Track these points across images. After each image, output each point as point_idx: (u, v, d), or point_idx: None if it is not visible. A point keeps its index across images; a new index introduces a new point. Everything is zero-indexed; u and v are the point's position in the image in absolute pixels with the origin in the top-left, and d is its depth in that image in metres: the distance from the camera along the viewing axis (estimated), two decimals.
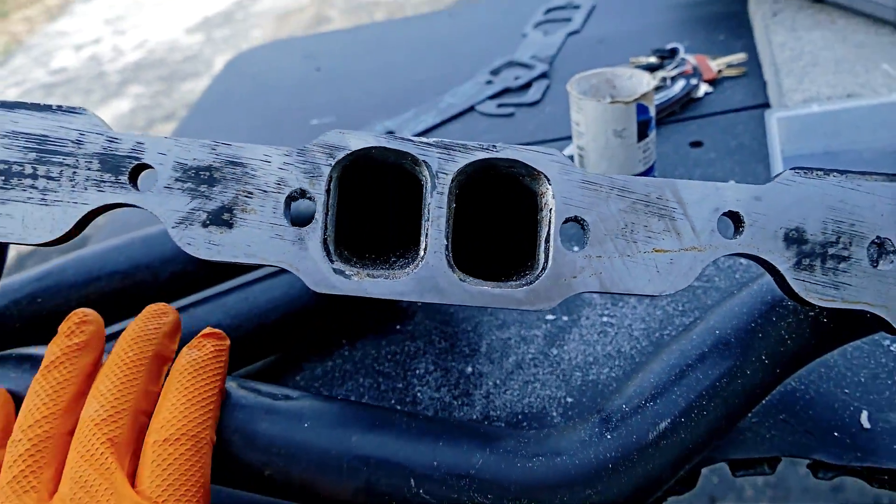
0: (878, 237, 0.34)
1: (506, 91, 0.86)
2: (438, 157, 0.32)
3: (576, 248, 0.33)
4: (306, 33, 3.74)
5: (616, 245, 0.33)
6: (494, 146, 0.33)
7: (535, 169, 0.33)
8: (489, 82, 0.88)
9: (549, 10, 1.07)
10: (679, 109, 0.74)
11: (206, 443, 0.32)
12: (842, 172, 0.34)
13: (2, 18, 5.04)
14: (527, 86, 0.86)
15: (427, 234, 0.32)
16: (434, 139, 0.33)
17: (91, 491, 0.29)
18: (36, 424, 0.31)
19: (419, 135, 0.80)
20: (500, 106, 0.83)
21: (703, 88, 0.76)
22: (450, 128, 0.81)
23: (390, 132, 0.81)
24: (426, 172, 0.32)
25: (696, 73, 0.76)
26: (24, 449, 0.30)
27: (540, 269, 0.33)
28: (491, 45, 1.00)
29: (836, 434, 0.41)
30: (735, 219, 0.33)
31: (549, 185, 0.33)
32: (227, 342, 0.35)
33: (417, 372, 0.49)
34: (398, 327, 0.53)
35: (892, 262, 0.34)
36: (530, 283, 0.32)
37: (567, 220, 0.33)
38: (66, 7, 5.14)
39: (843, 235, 0.34)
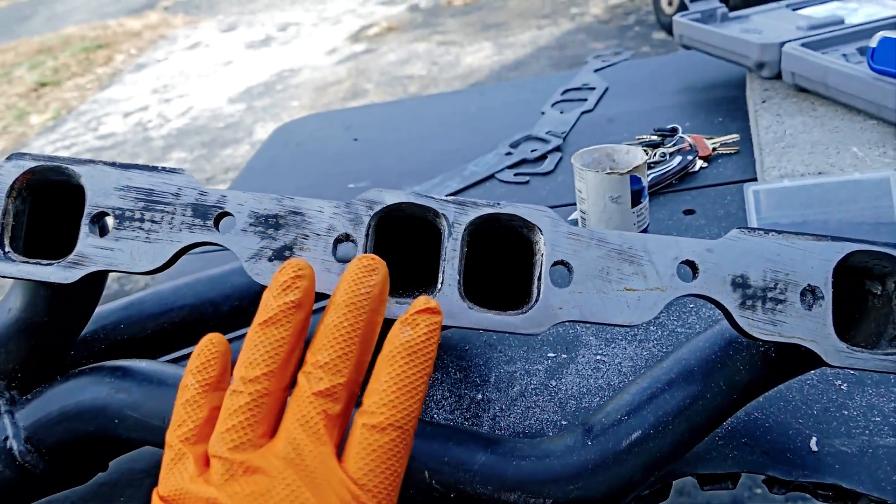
0: (809, 285, 0.42)
1: (523, 161, 0.96)
2: (454, 210, 0.42)
3: (562, 286, 0.41)
4: (343, 105, 3.92)
5: (594, 284, 0.41)
6: (499, 203, 0.42)
7: (530, 222, 0.42)
8: (509, 153, 0.98)
9: (566, 91, 1.17)
10: (676, 181, 0.83)
11: (410, 433, 0.33)
12: (779, 232, 0.43)
13: (55, 86, 5.34)
14: (542, 157, 0.96)
15: (443, 271, 0.41)
16: (452, 197, 0.42)
17: (304, 455, 0.31)
18: (256, 381, 0.33)
19: None
20: (517, 175, 0.92)
21: (699, 164, 0.85)
22: (471, 193, 0.91)
23: None
24: (444, 223, 0.41)
25: (692, 149, 0.86)
26: (243, 402, 0.32)
27: (533, 300, 0.41)
28: (513, 120, 1.10)
29: (788, 455, 0.48)
30: (692, 266, 0.42)
31: (542, 234, 0.42)
32: (440, 318, 0.36)
33: (435, 397, 0.57)
34: None
35: (820, 305, 0.42)
36: (525, 312, 0.41)
37: (555, 263, 0.42)
38: (117, 77, 5.43)
39: (780, 282, 0.42)
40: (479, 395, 0.56)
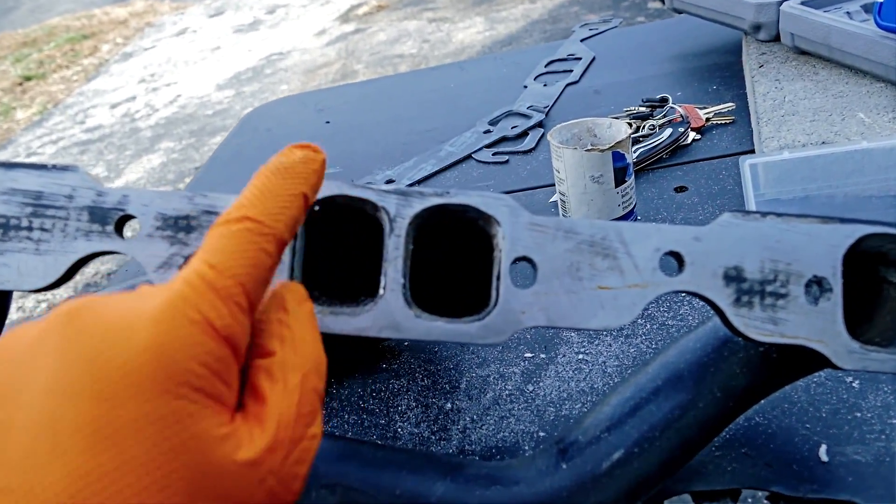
0: (814, 276, 0.36)
1: (503, 140, 0.89)
2: (396, 202, 0.35)
3: (525, 287, 0.35)
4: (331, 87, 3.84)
5: (563, 283, 0.35)
6: (448, 192, 0.36)
7: (485, 212, 0.35)
8: (487, 132, 0.91)
9: (550, 63, 1.11)
10: (667, 156, 0.76)
11: (274, 234, 0.28)
12: (778, 215, 0.36)
13: (40, 79, 5.26)
14: (523, 135, 0.89)
15: (385, 274, 0.35)
16: (393, 186, 0.36)
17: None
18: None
19: (417, 182, 0.84)
20: (495, 154, 0.86)
21: (691, 136, 0.78)
22: (447, 175, 0.85)
23: (390, 181, 0.85)
24: (385, 217, 0.35)
25: (684, 121, 0.79)
26: None
27: (492, 305, 0.35)
28: (494, 96, 1.03)
29: (794, 467, 0.42)
30: (677, 258, 0.36)
31: (500, 227, 0.35)
32: (322, 156, 0.32)
33: (400, 408, 0.51)
34: (384, 366, 0.55)
35: (828, 299, 0.36)
36: (482, 319, 0.35)
37: (517, 260, 0.35)
38: (103, 67, 5.34)
39: (781, 274, 0.36)
40: (449, 405, 0.51)
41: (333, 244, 0.40)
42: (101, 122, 4.36)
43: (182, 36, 5.67)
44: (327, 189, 0.35)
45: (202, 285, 0.25)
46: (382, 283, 0.35)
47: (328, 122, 1.10)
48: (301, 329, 0.28)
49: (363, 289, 0.42)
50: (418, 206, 0.35)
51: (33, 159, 3.98)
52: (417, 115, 1.06)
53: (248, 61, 4.78)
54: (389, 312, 0.35)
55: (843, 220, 0.36)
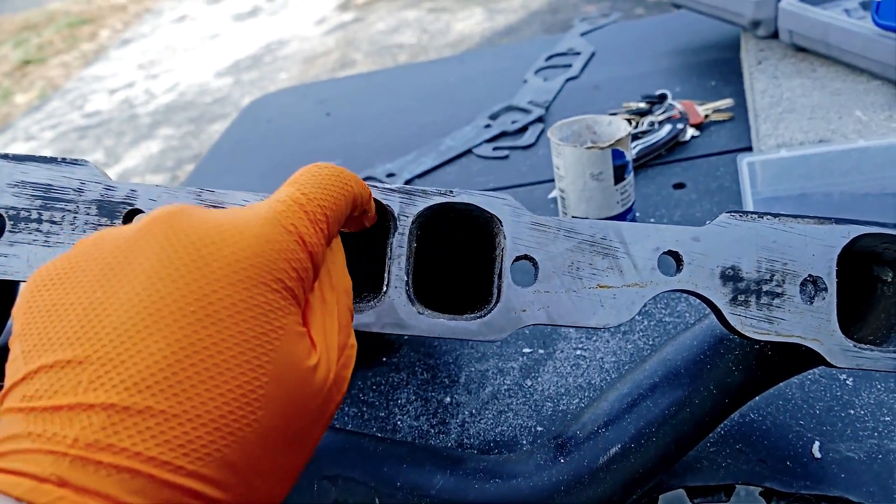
0: (810, 275, 0.36)
1: (503, 134, 0.90)
2: (400, 201, 0.36)
3: (526, 285, 0.36)
4: (331, 76, 3.84)
5: (563, 281, 0.36)
6: (451, 191, 0.36)
7: (487, 212, 0.36)
8: (488, 126, 0.92)
9: (550, 57, 1.11)
10: (665, 152, 0.77)
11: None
12: (775, 215, 0.37)
13: (39, 64, 5.23)
14: (523, 129, 0.89)
15: (389, 271, 0.35)
16: (397, 185, 0.36)
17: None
18: None
19: (417, 177, 0.84)
20: (495, 149, 0.86)
21: (690, 132, 0.79)
22: (447, 170, 0.85)
23: (391, 174, 0.85)
24: (389, 215, 0.36)
25: (683, 117, 0.80)
26: None
27: (493, 303, 0.36)
28: (494, 90, 1.04)
29: (788, 463, 0.43)
30: (675, 257, 0.36)
31: (502, 226, 0.36)
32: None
33: (399, 402, 0.52)
34: (384, 359, 0.56)
35: (823, 298, 0.36)
36: (483, 316, 0.35)
37: (518, 259, 0.36)
38: (102, 53, 5.32)
39: (777, 273, 0.36)
40: (448, 399, 0.51)
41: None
42: (99, 107, 4.34)
43: (181, 22, 5.64)
44: None
45: (296, 206, 0.28)
46: (386, 281, 0.36)
47: (328, 115, 1.10)
48: (333, 258, 0.31)
49: (365, 285, 0.42)
50: (422, 205, 0.36)
51: (32, 144, 3.97)
52: (417, 107, 1.06)
53: (248, 49, 4.76)
54: (393, 309, 0.35)
55: (838, 221, 0.37)
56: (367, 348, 0.57)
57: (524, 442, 0.47)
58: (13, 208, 0.36)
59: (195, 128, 3.76)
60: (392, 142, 0.96)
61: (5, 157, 0.36)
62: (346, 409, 0.52)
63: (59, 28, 5.78)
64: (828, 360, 0.36)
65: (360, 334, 0.35)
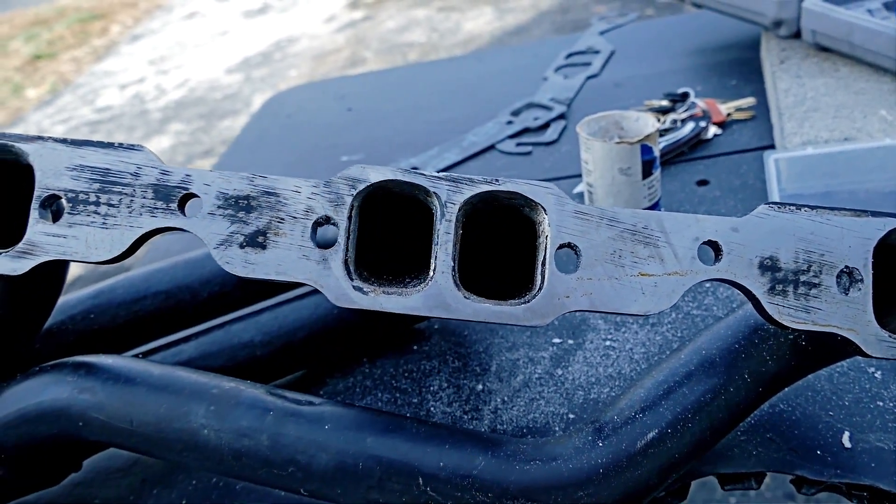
0: (846, 267, 0.37)
1: (525, 131, 0.91)
2: (447, 189, 0.37)
3: (569, 272, 0.36)
4: (342, 74, 3.85)
5: (605, 269, 0.37)
6: (497, 180, 0.37)
7: (532, 200, 0.37)
8: (510, 122, 0.93)
9: (570, 55, 1.12)
10: (688, 150, 0.78)
11: None
12: (812, 208, 0.38)
13: (51, 59, 5.25)
14: (545, 126, 0.90)
15: (436, 257, 0.36)
16: (444, 173, 0.37)
17: None
18: None
19: (443, 171, 0.85)
20: (518, 145, 0.87)
21: (712, 130, 0.80)
22: (470, 165, 0.86)
23: (414, 168, 0.86)
24: (436, 202, 0.37)
25: (705, 115, 0.80)
26: None
27: (537, 289, 0.37)
28: (514, 87, 1.05)
29: (818, 452, 0.43)
30: (714, 247, 0.37)
31: (546, 214, 0.37)
32: None
33: (431, 388, 0.53)
34: (415, 347, 0.57)
35: (859, 289, 0.37)
36: (527, 302, 0.36)
37: (561, 246, 0.37)
38: (113, 48, 5.34)
39: (814, 264, 0.37)
40: (480, 386, 0.52)
41: (381, 227, 0.42)
42: (110, 102, 4.36)
43: (191, 19, 5.66)
44: (380, 174, 0.37)
45: None
46: (433, 266, 0.36)
47: (350, 110, 1.11)
48: None
49: (406, 270, 0.43)
50: (468, 192, 0.37)
51: None
52: (437, 104, 1.07)
53: (258, 46, 4.77)
54: (440, 293, 0.36)
55: (874, 214, 0.38)
56: (397, 335, 0.58)
57: (556, 429, 0.48)
58: (72, 191, 0.37)
59: (206, 123, 3.77)
60: (414, 137, 0.97)
61: (64, 141, 0.38)
62: (380, 395, 0.53)
63: (69, 23, 5.80)
64: (864, 349, 0.37)
65: (387, 316, 0.35)
